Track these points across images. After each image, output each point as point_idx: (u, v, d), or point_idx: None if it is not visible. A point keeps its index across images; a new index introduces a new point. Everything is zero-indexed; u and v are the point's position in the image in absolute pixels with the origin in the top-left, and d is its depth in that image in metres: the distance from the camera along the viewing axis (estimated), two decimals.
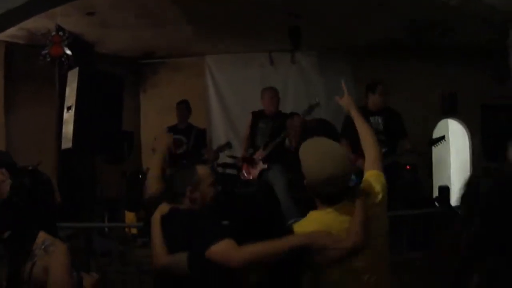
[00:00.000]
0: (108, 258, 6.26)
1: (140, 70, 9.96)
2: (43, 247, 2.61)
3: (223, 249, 2.71)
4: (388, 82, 8.94)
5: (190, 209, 3.14)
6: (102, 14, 7.29)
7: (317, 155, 2.75)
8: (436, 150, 9.27)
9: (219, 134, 9.43)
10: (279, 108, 7.30)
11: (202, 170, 3.25)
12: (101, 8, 7.05)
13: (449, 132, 9.81)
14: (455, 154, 9.88)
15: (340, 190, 2.72)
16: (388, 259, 2.89)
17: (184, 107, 7.89)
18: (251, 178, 6.95)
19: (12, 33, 7.28)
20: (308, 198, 3.12)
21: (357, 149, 5.98)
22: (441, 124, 9.51)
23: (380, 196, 2.82)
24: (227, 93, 9.58)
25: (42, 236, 2.67)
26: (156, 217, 3.15)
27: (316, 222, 2.77)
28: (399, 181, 7.80)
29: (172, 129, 7.60)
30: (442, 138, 6.86)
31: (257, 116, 7.23)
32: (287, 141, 6.85)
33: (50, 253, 2.59)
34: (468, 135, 9.54)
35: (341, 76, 8.81)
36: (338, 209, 2.73)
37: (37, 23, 6.91)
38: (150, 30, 8.06)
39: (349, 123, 6.39)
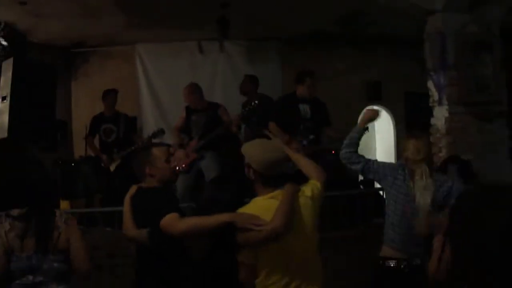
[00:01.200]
0: None
1: (72, 59, 10.50)
2: (63, 220, 3.57)
3: (168, 221, 3.50)
4: (315, 70, 9.95)
5: (151, 186, 3.94)
6: (34, 3, 7.72)
7: (261, 145, 3.63)
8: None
9: (149, 122, 10.06)
10: (206, 99, 8.03)
11: (156, 150, 4.06)
12: None
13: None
14: (380, 140, 10.91)
15: (280, 173, 3.53)
16: (316, 241, 3.59)
17: (112, 96, 8.46)
18: (182, 167, 7.72)
19: None
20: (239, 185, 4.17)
21: (298, 130, 7.02)
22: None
23: (311, 193, 3.58)
24: (157, 81, 10.23)
25: (57, 211, 3.65)
26: (127, 197, 4.01)
27: (257, 207, 3.45)
28: (324, 165, 8.83)
29: (99, 118, 8.30)
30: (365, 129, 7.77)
31: (189, 109, 7.84)
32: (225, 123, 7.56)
33: (70, 225, 3.57)
34: (392, 122, 10.58)
35: (269, 65, 9.87)
36: (276, 195, 3.44)
37: None
38: (82, 19, 8.58)
39: (276, 111, 7.36)
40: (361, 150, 10.23)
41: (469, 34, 6.29)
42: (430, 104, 6.52)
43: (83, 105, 10.08)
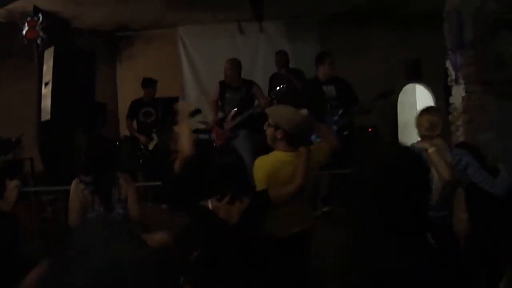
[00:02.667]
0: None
1: (116, 42, 11.18)
2: (124, 180, 4.86)
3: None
4: (353, 48, 10.26)
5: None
6: None
7: (288, 109, 4.51)
8: (402, 114, 10.58)
9: (192, 102, 10.48)
10: (243, 77, 8.34)
11: (178, 128, 4.58)
12: None
13: (416, 97, 11.06)
14: None
15: (303, 134, 4.34)
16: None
17: (153, 86, 9.08)
18: (219, 143, 8.21)
19: None
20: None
21: (325, 110, 7.40)
22: (408, 88, 10.73)
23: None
24: (199, 62, 10.78)
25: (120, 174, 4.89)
26: None
27: (277, 159, 4.31)
28: (361, 143, 9.16)
29: (138, 102, 8.88)
30: (389, 92, 8.03)
31: (224, 86, 8.26)
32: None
33: (128, 183, 4.85)
34: (433, 99, 10.71)
35: (308, 43, 10.19)
36: (294, 156, 4.27)
37: (15, 3, 8.17)
38: (123, 5, 9.07)
39: (302, 96, 7.74)
40: (403, 127, 10.61)
41: (488, 12, 6.41)
42: (449, 83, 6.72)
43: (128, 86, 10.65)
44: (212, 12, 9.96)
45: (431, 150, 4.49)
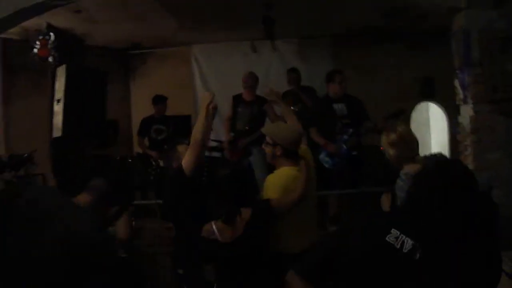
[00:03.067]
0: None
1: (129, 60, 11.37)
2: None
3: None
4: (367, 66, 10.28)
5: None
6: (88, 12, 8.49)
7: (285, 126, 4.87)
8: (416, 132, 10.53)
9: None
10: (258, 93, 8.50)
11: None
12: (87, 6, 8.23)
13: (430, 115, 11.06)
14: (435, 136, 11.07)
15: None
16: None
17: (163, 104, 9.20)
18: (235, 158, 8.29)
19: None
20: None
21: (325, 136, 7.41)
22: (421, 107, 10.72)
23: (311, 163, 4.74)
24: (212, 81, 10.90)
25: None
26: None
27: (285, 174, 4.52)
28: (373, 162, 9.14)
29: (149, 120, 8.97)
30: (400, 112, 7.95)
31: (237, 100, 8.46)
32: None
33: None
34: (446, 118, 10.68)
35: (321, 62, 10.24)
36: (298, 169, 4.46)
37: (29, 21, 8.30)
38: (134, 24, 9.28)
39: (312, 114, 7.78)
40: None
41: (495, 31, 6.39)
42: (457, 103, 6.71)
43: (141, 104, 10.72)
44: (225, 31, 10.09)
45: None
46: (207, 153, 9.75)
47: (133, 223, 5.30)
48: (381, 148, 9.60)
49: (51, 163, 8.65)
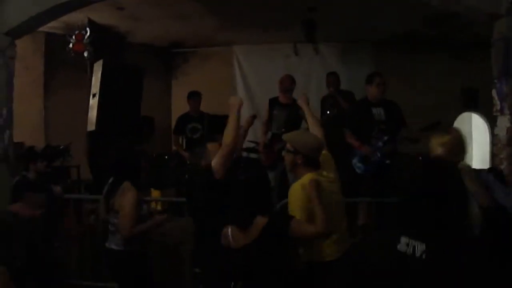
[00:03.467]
0: None
1: (172, 58, 11.39)
2: (122, 189, 4.88)
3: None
4: (409, 73, 10.02)
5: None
6: (131, 9, 8.60)
7: (307, 134, 4.64)
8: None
9: (243, 120, 10.54)
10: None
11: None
12: (129, 3, 8.35)
13: (472, 126, 10.73)
14: (477, 147, 10.73)
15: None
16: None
17: (196, 99, 8.97)
18: (267, 163, 8.16)
19: (50, 24, 8.69)
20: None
21: (361, 140, 7.22)
22: (464, 117, 10.41)
23: (332, 175, 4.45)
24: (253, 82, 10.82)
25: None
26: None
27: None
28: (410, 171, 8.89)
29: (185, 118, 8.90)
30: (437, 123, 7.66)
31: (272, 103, 8.29)
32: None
33: (125, 194, 4.84)
34: (489, 129, 10.33)
35: (362, 66, 10.04)
36: (319, 174, 4.27)
37: (72, 16, 8.37)
38: (176, 23, 9.32)
39: (349, 117, 7.59)
40: None
41: None
42: (494, 114, 6.43)
43: (182, 102, 10.50)
44: (267, 32, 9.99)
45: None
46: (245, 154, 9.74)
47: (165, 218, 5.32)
48: (419, 157, 9.42)
49: (87, 156, 8.66)
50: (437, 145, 4.50)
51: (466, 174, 4.20)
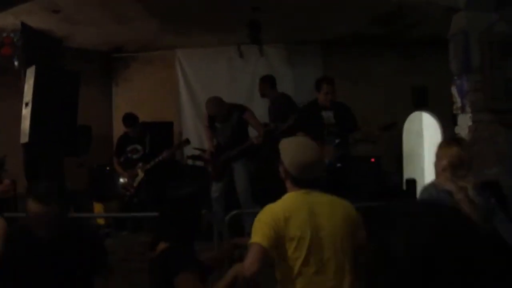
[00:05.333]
0: None
1: (112, 64, 10.59)
2: None
3: None
4: (357, 74, 9.59)
5: None
6: (67, 12, 7.83)
7: (297, 145, 3.35)
8: (407, 143, 9.86)
9: (188, 126, 10.07)
10: (246, 103, 7.97)
11: None
12: (65, 6, 7.58)
13: (423, 125, 10.35)
14: (428, 147, 10.35)
15: (310, 177, 3.23)
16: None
17: (136, 126, 8.11)
18: (214, 174, 7.58)
19: None
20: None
21: (322, 136, 6.69)
22: (414, 116, 10.01)
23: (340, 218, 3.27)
24: (197, 86, 10.11)
25: None
26: None
27: (289, 202, 3.20)
28: (362, 174, 8.43)
29: (125, 139, 8.14)
30: (394, 124, 7.21)
31: (213, 117, 7.60)
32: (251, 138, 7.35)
33: None
34: (440, 128, 9.96)
35: (310, 68, 9.55)
36: (309, 192, 3.20)
37: (4, 20, 7.61)
38: (116, 26, 8.57)
39: (301, 120, 7.05)
40: (409, 157, 9.90)
41: (497, 34, 5.67)
42: (454, 112, 5.96)
43: (124, 109, 9.86)
44: (210, 34, 9.38)
45: (459, 196, 3.62)
46: (190, 162, 9.10)
47: None
48: (372, 160, 8.97)
49: (24, 169, 7.87)
50: (443, 156, 3.84)
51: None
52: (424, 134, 10.18)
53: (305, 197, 3.19)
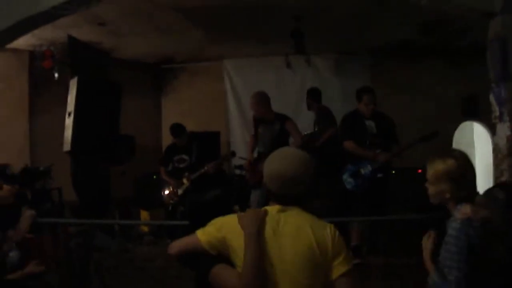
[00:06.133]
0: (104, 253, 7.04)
1: (161, 75, 10.82)
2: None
3: None
4: (406, 83, 9.43)
5: None
6: (113, 24, 8.05)
7: (279, 154, 2.87)
8: None
9: (236, 136, 10.19)
10: (293, 114, 7.92)
11: None
12: (110, 18, 7.79)
13: (474, 135, 10.05)
14: (479, 157, 10.05)
15: (286, 194, 2.79)
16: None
17: (183, 136, 8.17)
18: (251, 182, 7.56)
19: (34, 42, 8.34)
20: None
21: (364, 146, 6.60)
22: (465, 126, 9.75)
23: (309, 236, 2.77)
24: (244, 96, 10.07)
25: None
26: None
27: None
28: (407, 185, 8.24)
29: (172, 148, 8.26)
30: (435, 134, 6.90)
31: (257, 120, 7.61)
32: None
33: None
34: (491, 138, 9.65)
35: (358, 77, 9.46)
36: (285, 209, 2.79)
37: (54, 33, 7.88)
38: (161, 37, 8.75)
39: (346, 127, 6.96)
40: None
41: None
42: (492, 121, 5.74)
43: (172, 119, 9.99)
44: (256, 45, 9.45)
45: None
46: (237, 172, 9.16)
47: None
48: (419, 170, 8.77)
49: (71, 177, 8.10)
50: (437, 178, 3.11)
51: None
52: (476, 145, 9.87)
53: (274, 215, 2.79)
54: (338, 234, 2.74)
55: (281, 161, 2.82)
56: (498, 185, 4.15)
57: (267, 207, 2.84)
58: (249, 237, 2.68)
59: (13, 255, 4.09)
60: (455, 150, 3.28)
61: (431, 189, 3.15)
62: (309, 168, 2.81)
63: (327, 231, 2.72)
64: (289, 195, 2.80)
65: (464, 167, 3.06)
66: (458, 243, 2.81)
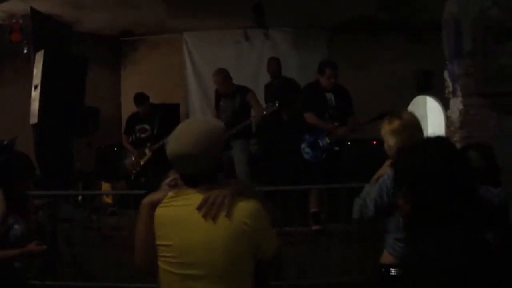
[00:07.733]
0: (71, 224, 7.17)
1: (120, 47, 10.90)
2: None
3: None
4: (363, 58, 9.75)
5: None
6: None
7: (176, 133, 2.64)
8: None
9: (195, 108, 10.39)
10: (252, 85, 8.12)
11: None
12: None
13: (427, 109, 10.48)
14: (432, 129, 10.47)
15: (195, 172, 2.61)
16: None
17: (146, 104, 8.41)
18: None
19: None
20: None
21: (323, 118, 6.89)
22: (418, 100, 10.15)
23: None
24: (203, 69, 10.33)
25: None
26: None
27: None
28: (363, 157, 8.62)
29: (135, 118, 8.48)
30: (383, 115, 7.20)
31: (218, 93, 7.89)
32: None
33: None
34: (444, 113, 10.07)
35: (315, 52, 9.75)
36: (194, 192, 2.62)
37: (14, 6, 7.89)
38: (123, 10, 8.83)
39: (305, 99, 7.23)
40: None
41: (490, 19, 5.78)
42: (446, 96, 6.15)
43: (132, 92, 10.03)
44: (217, 18, 9.59)
45: None
46: None
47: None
48: (374, 142, 9.15)
49: (34, 150, 8.17)
50: (388, 134, 3.68)
51: None
52: (429, 118, 10.29)
53: (185, 198, 2.64)
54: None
55: (177, 140, 2.61)
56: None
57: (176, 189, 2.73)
58: (140, 208, 2.78)
59: (18, 228, 4.05)
60: (401, 110, 3.80)
61: (385, 146, 3.79)
62: (212, 144, 2.58)
63: (242, 213, 2.54)
64: (193, 174, 2.63)
65: (407, 123, 3.63)
66: (383, 183, 3.46)
